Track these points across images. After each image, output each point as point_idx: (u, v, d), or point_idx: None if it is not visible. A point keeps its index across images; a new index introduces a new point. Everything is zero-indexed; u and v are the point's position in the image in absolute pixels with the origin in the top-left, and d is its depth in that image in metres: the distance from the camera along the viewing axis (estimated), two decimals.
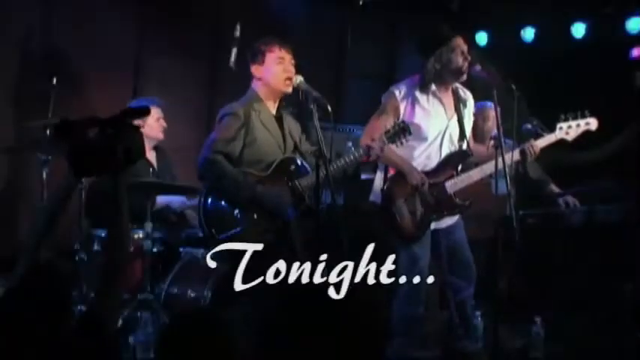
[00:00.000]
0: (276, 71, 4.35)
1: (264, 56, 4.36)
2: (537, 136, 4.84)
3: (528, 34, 6.99)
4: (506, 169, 4.24)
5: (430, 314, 4.69)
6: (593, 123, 4.71)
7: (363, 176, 5.88)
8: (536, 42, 6.97)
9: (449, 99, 4.69)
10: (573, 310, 5.32)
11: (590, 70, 6.46)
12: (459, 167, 4.66)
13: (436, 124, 4.64)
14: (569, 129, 4.70)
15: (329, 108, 4.14)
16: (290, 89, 4.36)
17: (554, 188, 5.67)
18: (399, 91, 4.63)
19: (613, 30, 6.51)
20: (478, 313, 4.90)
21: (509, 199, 4.25)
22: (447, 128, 4.67)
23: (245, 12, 5.91)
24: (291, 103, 4.51)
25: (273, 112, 4.44)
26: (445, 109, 4.67)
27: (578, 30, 6.73)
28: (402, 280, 4.56)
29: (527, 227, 5.35)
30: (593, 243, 5.42)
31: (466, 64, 4.56)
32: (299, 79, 4.27)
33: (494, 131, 4.49)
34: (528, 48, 7.00)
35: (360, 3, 6.75)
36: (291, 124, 4.50)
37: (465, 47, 4.56)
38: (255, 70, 4.41)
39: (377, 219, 4.68)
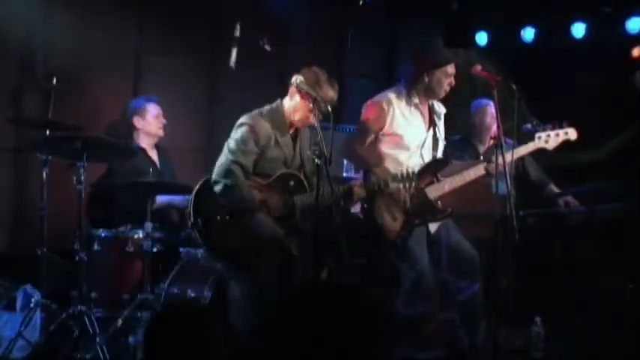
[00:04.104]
0: (309, 115, 4.36)
1: (315, 102, 4.25)
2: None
3: (528, 34, 6.99)
4: (507, 169, 4.25)
5: (430, 314, 4.69)
6: (572, 133, 4.79)
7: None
8: (536, 42, 6.97)
9: (426, 112, 4.78)
10: (573, 310, 5.33)
11: (590, 70, 6.46)
12: (439, 174, 4.69)
13: (417, 135, 4.72)
14: (548, 137, 4.76)
15: (329, 108, 4.15)
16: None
17: (554, 188, 5.67)
18: (386, 103, 4.66)
19: (613, 30, 6.51)
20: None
21: (509, 199, 4.25)
22: (425, 139, 4.74)
23: (245, 12, 5.91)
24: None
25: (291, 131, 4.51)
26: (424, 122, 4.75)
27: (578, 30, 6.72)
28: (402, 280, 4.59)
29: (527, 227, 5.36)
30: (593, 243, 5.43)
31: (447, 89, 4.67)
32: (299, 79, 4.27)
33: (494, 129, 4.49)
34: (528, 48, 7.00)
35: (360, 3, 6.75)
36: (304, 140, 4.56)
37: (453, 72, 4.64)
38: (297, 100, 4.39)
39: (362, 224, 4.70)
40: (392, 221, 4.58)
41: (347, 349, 1.80)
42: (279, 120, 4.44)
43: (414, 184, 4.42)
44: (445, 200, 4.68)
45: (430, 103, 4.78)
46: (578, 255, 5.52)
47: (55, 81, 5.12)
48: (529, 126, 5.05)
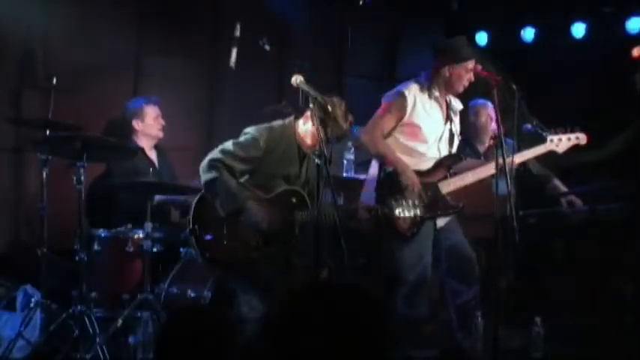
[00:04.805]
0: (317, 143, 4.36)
1: (316, 102, 4.16)
2: (537, 135, 4.89)
3: (528, 34, 6.99)
4: (507, 169, 4.25)
5: (430, 314, 4.69)
6: (582, 138, 4.85)
7: (363, 176, 5.87)
8: (536, 42, 6.97)
9: (444, 106, 4.79)
10: (573, 310, 5.32)
11: (590, 70, 6.46)
12: (452, 169, 4.70)
13: (435, 128, 4.73)
14: (560, 141, 4.81)
15: (329, 108, 4.14)
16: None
17: (558, 183, 5.67)
18: (408, 93, 4.66)
19: (613, 30, 6.52)
20: (478, 313, 4.91)
21: (510, 199, 4.25)
22: (442, 133, 4.75)
23: (245, 12, 5.91)
24: (292, 103, 4.51)
25: (301, 149, 4.49)
26: (442, 115, 4.76)
27: (578, 30, 6.73)
28: (404, 279, 4.59)
29: (527, 227, 5.35)
30: (593, 243, 5.42)
31: (467, 85, 4.70)
32: (299, 79, 4.27)
33: (493, 128, 4.50)
34: (528, 48, 7.00)
35: (360, 3, 6.75)
36: (312, 159, 4.51)
37: (473, 69, 4.65)
38: (309, 126, 4.39)
39: (371, 218, 4.69)
40: (405, 213, 4.58)
41: (347, 349, 1.80)
42: (289, 137, 4.43)
43: (419, 212, 4.43)
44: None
45: (448, 98, 4.80)
46: (578, 255, 5.52)
47: (55, 81, 5.12)
48: (529, 126, 5.06)
